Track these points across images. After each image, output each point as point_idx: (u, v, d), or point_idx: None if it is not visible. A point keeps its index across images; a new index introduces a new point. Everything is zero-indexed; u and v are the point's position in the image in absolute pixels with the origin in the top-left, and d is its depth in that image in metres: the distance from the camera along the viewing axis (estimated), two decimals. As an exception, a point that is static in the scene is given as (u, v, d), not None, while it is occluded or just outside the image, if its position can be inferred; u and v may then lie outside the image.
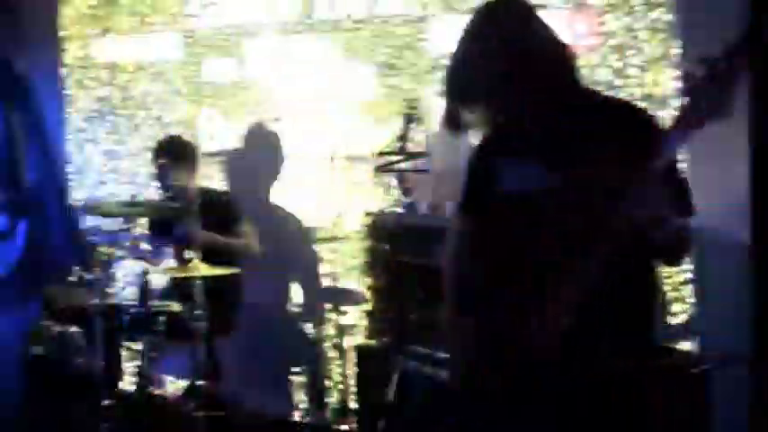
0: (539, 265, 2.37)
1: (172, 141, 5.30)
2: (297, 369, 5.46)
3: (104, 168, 6.26)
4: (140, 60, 6.13)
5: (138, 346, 4.61)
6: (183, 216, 4.86)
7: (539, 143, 2.44)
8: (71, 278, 4.60)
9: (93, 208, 4.72)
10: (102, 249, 4.75)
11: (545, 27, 2.43)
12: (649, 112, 2.52)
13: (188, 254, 4.69)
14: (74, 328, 4.59)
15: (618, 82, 4.72)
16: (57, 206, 2.82)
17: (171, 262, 5.08)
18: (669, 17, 4.64)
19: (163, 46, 6.04)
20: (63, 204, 2.85)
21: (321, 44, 5.34)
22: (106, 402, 4.43)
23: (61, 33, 6.37)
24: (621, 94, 4.51)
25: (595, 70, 4.75)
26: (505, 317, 2.41)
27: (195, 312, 4.50)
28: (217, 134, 5.81)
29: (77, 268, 3.53)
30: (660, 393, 2.46)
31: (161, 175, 5.12)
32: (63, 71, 6.37)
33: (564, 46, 2.45)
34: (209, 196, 5.06)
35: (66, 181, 2.91)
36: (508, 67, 2.35)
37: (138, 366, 4.64)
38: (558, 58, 2.43)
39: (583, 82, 2.49)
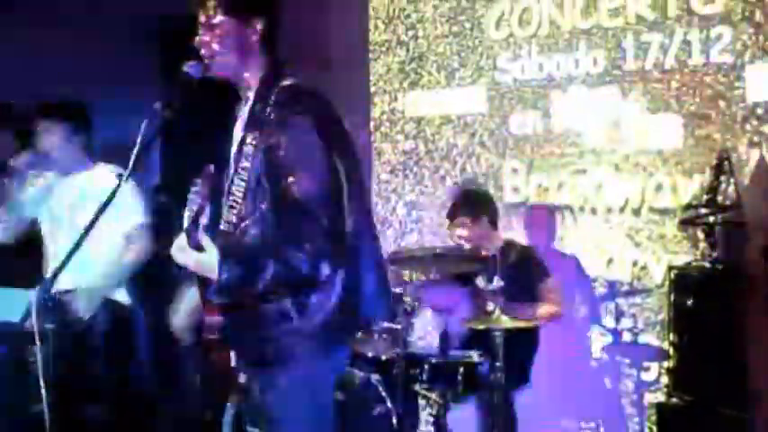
0: None
1: (469, 194, 5.45)
2: (593, 424, 5.41)
3: (408, 219, 6.54)
4: (446, 113, 6.35)
5: (434, 395, 4.72)
6: (485, 268, 4.98)
7: None
8: (375, 327, 4.83)
9: (398, 258, 4.92)
10: (406, 299, 4.95)
11: None
12: None
13: (490, 305, 4.79)
14: (375, 376, 4.77)
15: None
16: (370, 255, 2.97)
17: (472, 312, 5.19)
18: None
19: (469, 99, 6.24)
20: (375, 254, 3.00)
21: (628, 95, 5.33)
22: (403, 450, 4.59)
23: (371, 88, 6.76)
24: None
25: None
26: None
27: (494, 364, 4.59)
28: (521, 186, 5.90)
29: (383, 317, 3.71)
30: None
31: (462, 229, 5.26)
32: (371, 124, 6.74)
33: None
34: (513, 249, 5.15)
35: (377, 230, 3.07)
36: None
37: (435, 416, 4.76)
38: None
39: None
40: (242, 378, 2.96)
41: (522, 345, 4.92)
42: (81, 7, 7.04)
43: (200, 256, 2.68)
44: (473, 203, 5.32)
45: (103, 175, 4.41)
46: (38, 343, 3.25)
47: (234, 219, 2.87)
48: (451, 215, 5.32)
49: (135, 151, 2.82)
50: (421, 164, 6.58)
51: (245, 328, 2.89)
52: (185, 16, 3.04)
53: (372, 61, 6.88)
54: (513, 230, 5.78)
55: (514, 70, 6.02)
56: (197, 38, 2.94)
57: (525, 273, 5.11)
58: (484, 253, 5.17)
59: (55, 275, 2.97)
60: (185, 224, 2.64)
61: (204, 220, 2.66)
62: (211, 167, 2.69)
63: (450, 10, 6.38)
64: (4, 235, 4.51)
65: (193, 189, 2.66)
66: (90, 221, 2.90)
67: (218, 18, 2.93)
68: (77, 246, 2.90)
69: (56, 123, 4.41)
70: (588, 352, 5.50)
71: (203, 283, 2.81)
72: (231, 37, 2.93)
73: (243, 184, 2.85)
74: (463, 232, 5.23)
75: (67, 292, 4.24)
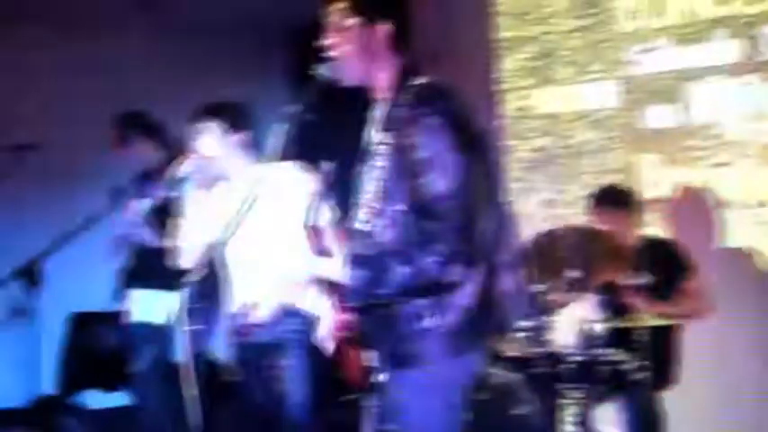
0: None
1: (609, 190, 5.34)
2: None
3: (543, 217, 6.46)
4: (579, 109, 6.26)
5: (578, 394, 4.64)
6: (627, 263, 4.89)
7: None
8: (515, 325, 4.77)
9: (536, 255, 4.85)
10: (546, 297, 4.88)
11: None
12: None
13: (633, 302, 4.71)
14: (516, 376, 4.72)
15: None
16: (506, 254, 2.92)
17: (611, 310, 5.09)
18: None
19: (602, 94, 6.16)
20: (511, 253, 2.95)
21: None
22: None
23: (501, 86, 6.71)
24: None
25: None
26: None
27: (639, 363, 4.49)
28: (659, 181, 5.76)
29: (522, 315, 3.66)
30: None
31: (601, 224, 5.16)
32: (502, 122, 6.68)
33: None
34: (655, 245, 5.04)
35: (513, 229, 3.02)
36: None
37: (578, 415, 4.68)
38: None
39: None
40: (377, 377, 2.96)
41: (667, 342, 4.81)
42: (210, 11, 7.19)
43: (324, 263, 2.69)
44: (616, 195, 5.21)
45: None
46: (183, 345, 3.28)
47: (367, 219, 2.88)
48: (593, 206, 5.21)
49: (273, 154, 2.85)
50: (554, 161, 6.49)
51: (380, 328, 2.90)
52: (314, 18, 3.07)
53: (501, 58, 6.82)
54: (654, 227, 5.64)
55: (648, 62, 5.88)
56: (325, 39, 2.96)
57: (669, 269, 4.99)
58: (625, 248, 5.07)
59: (197, 277, 3.02)
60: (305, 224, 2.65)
61: (323, 221, 2.67)
62: (328, 166, 2.70)
63: (580, 4, 6.28)
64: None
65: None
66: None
67: (346, 20, 2.94)
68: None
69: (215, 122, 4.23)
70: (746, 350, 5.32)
71: (333, 284, 2.83)
72: (359, 38, 2.94)
73: (376, 184, 2.86)
74: (604, 225, 5.13)
75: None
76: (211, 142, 4.19)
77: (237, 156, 4.24)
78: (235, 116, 4.26)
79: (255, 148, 4.25)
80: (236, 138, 4.23)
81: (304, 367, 4.01)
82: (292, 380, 4.00)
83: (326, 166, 2.75)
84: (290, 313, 4.05)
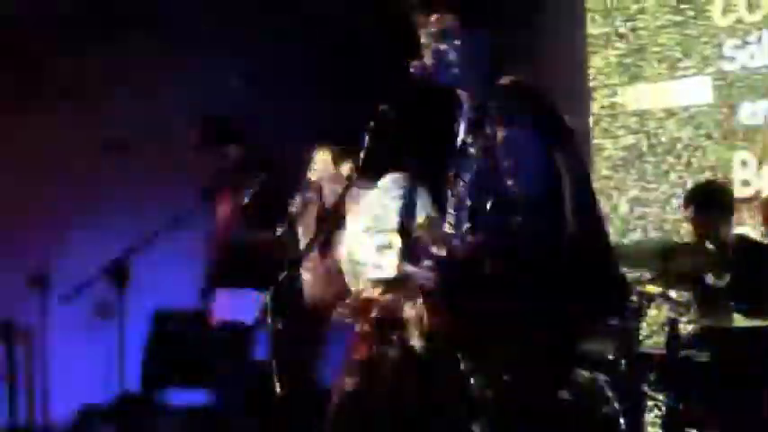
0: None
1: (705, 187, 5.32)
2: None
3: (631, 216, 6.47)
4: (670, 106, 6.25)
5: (665, 396, 4.66)
6: (716, 265, 4.87)
7: None
8: (601, 325, 4.79)
9: (621, 255, 4.87)
10: (632, 296, 4.90)
11: None
12: None
13: (720, 303, 4.70)
14: (601, 376, 4.74)
15: None
16: (596, 253, 2.94)
17: (702, 311, 5.09)
18: None
19: (693, 90, 6.12)
20: (602, 251, 2.97)
21: None
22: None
23: (590, 83, 6.72)
24: None
25: None
26: None
27: (727, 364, 4.48)
28: (752, 179, 5.74)
29: (610, 315, 3.67)
30: None
31: (693, 222, 5.15)
32: (591, 120, 6.69)
33: None
34: (746, 245, 5.02)
35: (602, 227, 3.05)
36: None
37: (664, 418, 4.69)
38: None
39: None
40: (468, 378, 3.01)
41: (759, 344, 4.78)
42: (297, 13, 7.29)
43: (415, 266, 2.75)
44: (710, 195, 5.18)
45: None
46: (272, 342, 3.37)
47: (457, 220, 2.92)
48: (686, 206, 5.17)
49: (363, 154, 2.92)
50: (643, 159, 6.48)
51: (471, 330, 2.93)
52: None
53: (591, 55, 6.82)
54: (746, 226, 5.61)
55: (743, 58, 5.86)
56: (419, 41, 3.00)
57: (761, 270, 4.95)
58: (713, 248, 5.05)
59: (289, 276, 3.09)
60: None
61: (415, 224, 2.71)
62: (417, 167, 2.75)
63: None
64: None
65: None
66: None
67: (445, 22, 2.97)
68: (309, 247, 3.04)
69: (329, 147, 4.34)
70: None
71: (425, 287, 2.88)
72: (456, 41, 2.96)
73: (465, 185, 2.89)
74: (693, 224, 5.11)
75: None
76: (327, 166, 4.27)
77: (351, 177, 4.24)
78: (348, 140, 4.30)
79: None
80: (350, 161, 4.29)
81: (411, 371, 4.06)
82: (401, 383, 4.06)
83: (416, 167, 2.79)
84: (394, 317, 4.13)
